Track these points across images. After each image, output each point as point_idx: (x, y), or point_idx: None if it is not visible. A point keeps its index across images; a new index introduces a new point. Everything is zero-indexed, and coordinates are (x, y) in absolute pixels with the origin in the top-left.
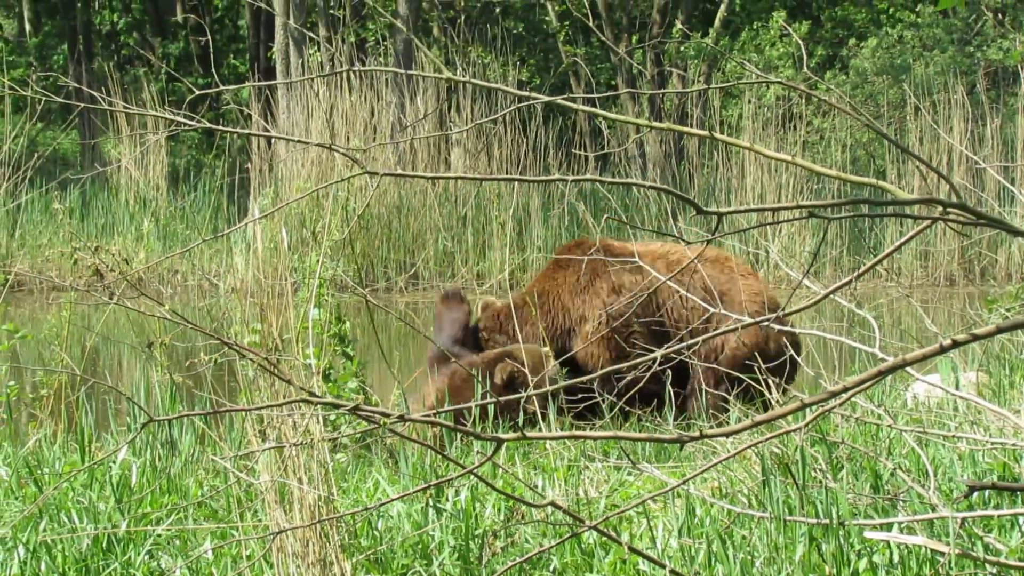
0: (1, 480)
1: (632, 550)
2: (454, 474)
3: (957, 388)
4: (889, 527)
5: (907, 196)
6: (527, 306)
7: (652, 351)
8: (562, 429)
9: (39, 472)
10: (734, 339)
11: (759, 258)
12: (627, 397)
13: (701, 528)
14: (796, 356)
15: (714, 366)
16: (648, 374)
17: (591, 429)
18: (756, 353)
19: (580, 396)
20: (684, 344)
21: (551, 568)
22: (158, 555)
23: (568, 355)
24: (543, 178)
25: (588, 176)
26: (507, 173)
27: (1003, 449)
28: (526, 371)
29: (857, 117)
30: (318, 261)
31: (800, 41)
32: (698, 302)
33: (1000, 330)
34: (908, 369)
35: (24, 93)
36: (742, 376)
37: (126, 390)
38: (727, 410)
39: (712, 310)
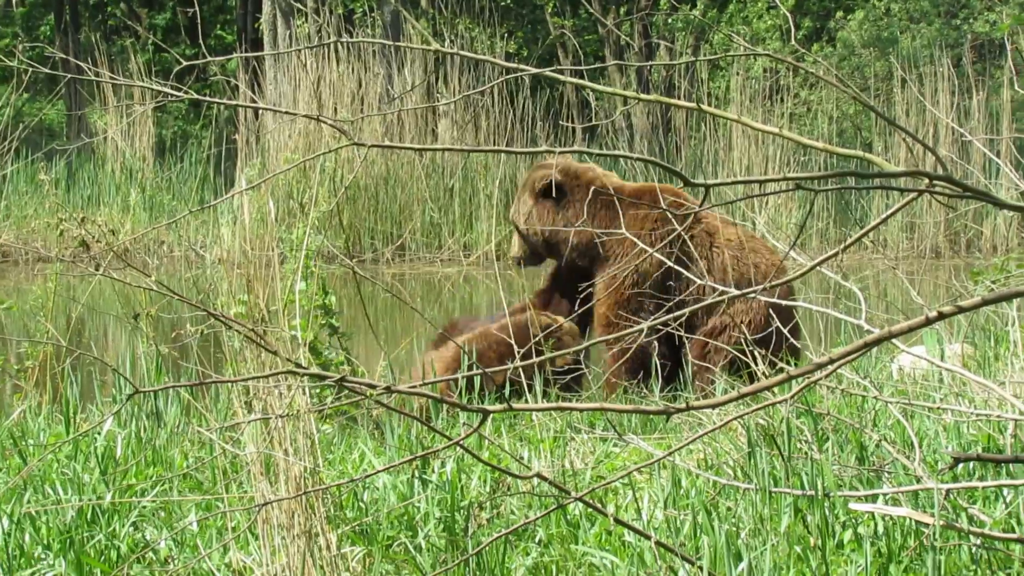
0: None
1: (618, 521)
2: (440, 446)
3: (942, 360)
4: (874, 498)
5: (893, 168)
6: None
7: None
8: (548, 401)
9: (24, 443)
10: (744, 321)
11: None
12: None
13: (687, 499)
14: (796, 334)
15: (713, 342)
16: (653, 349)
17: (577, 400)
18: (763, 328)
19: (568, 368)
20: (672, 316)
21: (537, 539)
22: (143, 527)
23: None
24: (530, 150)
25: (576, 148)
26: (494, 145)
27: (988, 421)
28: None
29: (844, 89)
30: (305, 232)
31: (787, 13)
32: (705, 283)
33: (986, 302)
34: (894, 341)
35: (10, 63)
36: (733, 351)
37: (111, 361)
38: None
39: (724, 289)
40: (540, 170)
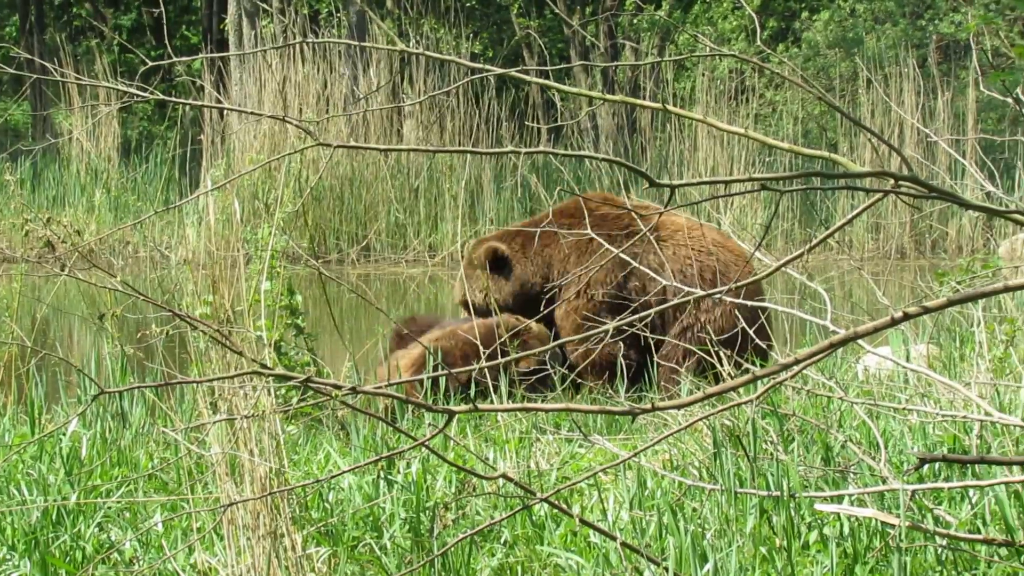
0: None
1: (583, 522)
2: (405, 446)
3: (908, 361)
4: (840, 499)
5: (859, 169)
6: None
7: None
8: (514, 401)
9: None
10: (712, 321)
11: None
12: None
13: (652, 500)
14: (763, 334)
15: (680, 342)
16: (618, 350)
17: (543, 401)
18: (730, 329)
19: (533, 370)
20: (637, 316)
21: (502, 540)
22: (108, 527)
23: (544, 314)
24: (495, 150)
25: (541, 148)
26: (459, 145)
27: (953, 421)
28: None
29: (809, 90)
30: (270, 233)
31: (753, 14)
32: (666, 283)
33: (951, 303)
34: (859, 342)
35: None
36: (699, 351)
37: (77, 362)
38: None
39: (691, 290)
40: (481, 246)
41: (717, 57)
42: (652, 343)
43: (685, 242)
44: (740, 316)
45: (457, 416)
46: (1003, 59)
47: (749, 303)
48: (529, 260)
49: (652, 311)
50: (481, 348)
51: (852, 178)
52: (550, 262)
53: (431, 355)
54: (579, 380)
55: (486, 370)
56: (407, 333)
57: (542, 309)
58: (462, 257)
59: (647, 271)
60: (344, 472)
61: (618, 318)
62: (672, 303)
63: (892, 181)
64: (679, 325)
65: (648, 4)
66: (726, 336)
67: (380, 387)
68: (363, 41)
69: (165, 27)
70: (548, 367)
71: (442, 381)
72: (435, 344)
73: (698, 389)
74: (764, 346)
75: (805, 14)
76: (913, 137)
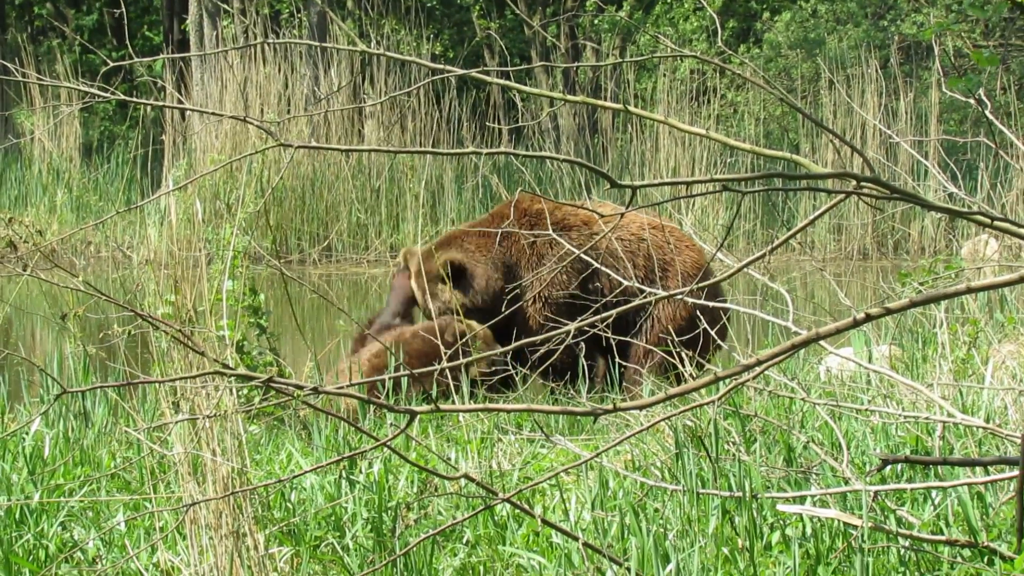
0: None
1: (545, 522)
2: (367, 446)
3: (870, 361)
4: (802, 500)
5: (821, 170)
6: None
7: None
8: (476, 402)
9: None
10: (666, 315)
11: None
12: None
13: (614, 501)
14: (723, 333)
15: (637, 342)
16: (580, 349)
17: (504, 401)
18: (688, 327)
19: (494, 369)
20: (599, 317)
21: (464, 540)
22: (71, 526)
23: (500, 319)
24: (457, 151)
25: (502, 149)
26: (420, 146)
27: (916, 423)
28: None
29: (771, 91)
30: (232, 233)
31: (714, 15)
32: (627, 281)
33: (913, 304)
34: (821, 343)
35: None
36: (658, 350)
37: (39, 361)
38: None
39: (646, 289)
40: (433, 258)
41: (678, 58)
42: (613, 343)
43: (618, 232)
44: (699, 315)
45: (419, 416)
46: (965, 60)
47: (711, 304)
48: (489, 264)
49: (613, 312)
50: (436, 350)
51: (814, 179)
52: (508, 263)
53: (391, 355)
54: (541, 381)
55: (446, 371)
56: (367, 334)
57: (503, 310)
58: (405, 264)
59: (607, 271)
60: (306, 472)
61: (579, 319)
62: (632, 304)
63: (854, 182)
64: (637, 325)
65: (609, 5)
66: (686, 337)
67: (342, 387)
68: (324, 42)
69: (126, 27)
70: (505, 368)
71: (403, 381)
72: (391, 343)
73: (660, 390)
74: (723, 344)
75: (766, 15)
76: (875, 138)
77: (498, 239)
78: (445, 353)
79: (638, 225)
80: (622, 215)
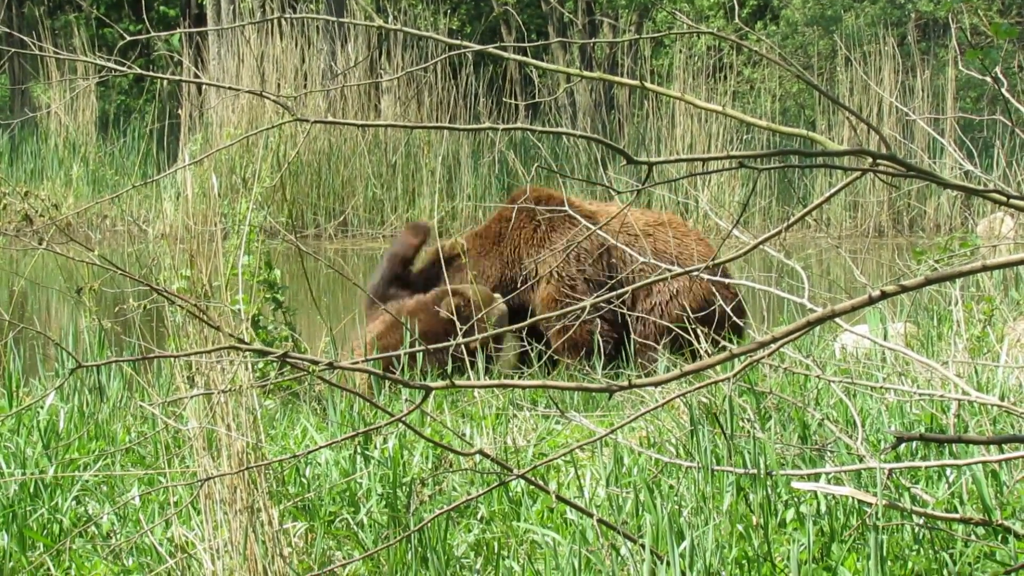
0: None
1: (560, 499)
2: (382, 422)
3: (885, 339)
4: (816, 477)
5: (837, 147)
6: (461, 255)
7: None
8: (491, 378)
9: None
10: (678, 301)
11: (688, 208)
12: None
13: (629, 477)
14: (739, 317)
15: (654, 319)
16: (595, 327)
17: (520, 378)
18: (701, 313)
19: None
20: (615, 293)
21: (479, 516)
22: (85, 501)
23: (512, 298)
24: (473, 126)
25: (518, 125)
26: (437, 121)
27: (931, 400)
28: (473, 306)
29: (787, 68)
30: (248, 207)
31: None
32: (642, 260)
33: (929, 281)
34: (837, 320)
35: None
36: (674, 327)
37: (54, 336)
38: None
39: (663, 266)
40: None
41: (695, 35)
42: (629, 320)
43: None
44: (715, 293)
45: (434, 392)
46: (982, 37)
47: (725, 280)
48: (497, 257)
49: (627, 289)
50: (443, 325)
51: (830, 156)
52: (520, 246)
53: (407, 330)
54: (556, 357)
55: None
56: (375, 303)
57: (519, 286)
58: (439, 235)
59: (625, 248)
60: (321, 447)
61: (594, 295)
62: (648, 281)
63: (870, 160)
64: (651, 301)
65: None
66: (702, 313)
67: (357, 363)
68: (341, 16)
69: (143, 1)
70: (523, 343)
71: (418, 356)
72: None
73: (675, 366)
74: (740, 323)
75: None
76: (892, 116)
77: (498, 236)
78: (460, 329)
79: (644, 222)
80: (627, 205)
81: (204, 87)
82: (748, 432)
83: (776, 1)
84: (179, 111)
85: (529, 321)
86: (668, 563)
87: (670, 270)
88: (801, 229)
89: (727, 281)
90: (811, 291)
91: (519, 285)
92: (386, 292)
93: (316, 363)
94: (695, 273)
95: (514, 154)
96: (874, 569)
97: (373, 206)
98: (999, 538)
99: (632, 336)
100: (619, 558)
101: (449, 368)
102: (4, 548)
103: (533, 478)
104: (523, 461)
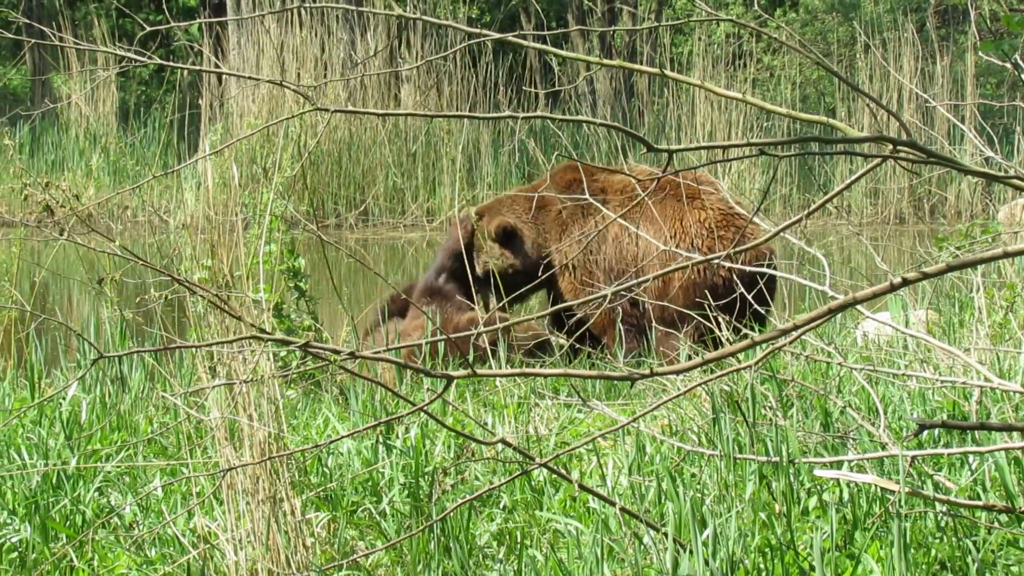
0: None
1: (582, 487)
2: (404, 411)
3: (907, 326)
4: (839, 465)
5: (857, 134)
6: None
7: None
8: (512, 367)
9: None
10: (676, 277)
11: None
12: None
13: (651, 466)
14: (764, 305)
15: (662, 303)
16: (616, 314)
17: (541, 366)
18: (705, 290)
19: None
20: (636, 281)
21: (501, 505)
22: (108, 492)
23: (537, 284)
24: (493, 115)
25: (538, 113)
26: (457, 110)
27: (953, 387)
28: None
29: (807, 55)
30: (269, 197)
31: None
32: (663, 246)
33: (950, 268)
34: (858, 307)
35: None
36: (689, 312)
37: (76, 326)
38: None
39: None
40: (494, 220)
41: (715, 22)
42: (651, 308)
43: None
44: (737, 281)
45: (455, 381)
46: (1001, 23)
47: (749, 268)
48: (535, 228)
49: (651, 276)
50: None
51: (850, 143)
52: (550, 229)
53: (433, 324)
54: (577, 346)
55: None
56: (403, 298)
57: (540, 274)
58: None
59: (648, 238)
60: (343, 437)
61: (617, 283)
62: (669, 269)
63: (890, 146)
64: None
65: None
66: (724, 302)
67: (379, 352)
68: (361, 6)
69: None
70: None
71: (441, 347)
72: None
73: (697, 355)
74: (762, 311)
75: None
76: (912, 102)
77: (534, 208)
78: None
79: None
80: (658, 178)
81: (224, 77)
82: (770, 420)
83: None
84: (199, 101)
85: (551, 309)
86: (691, 551)
87: (691, 258)
88: (822, 216)
89: (749, 269)
90: (832, 278)
91: (542, 261)
92: (435, 284)
93: (338, 352)
94: (717, 262)
95: (534, 142)
96: (897, 556)
97: (394, 195)
98: (1022, 525)
99: (650, 322)
100: (642, 547)
101: (471, 357)
102: (27, 539)
103: (555, 467)
104: (545, 450)
